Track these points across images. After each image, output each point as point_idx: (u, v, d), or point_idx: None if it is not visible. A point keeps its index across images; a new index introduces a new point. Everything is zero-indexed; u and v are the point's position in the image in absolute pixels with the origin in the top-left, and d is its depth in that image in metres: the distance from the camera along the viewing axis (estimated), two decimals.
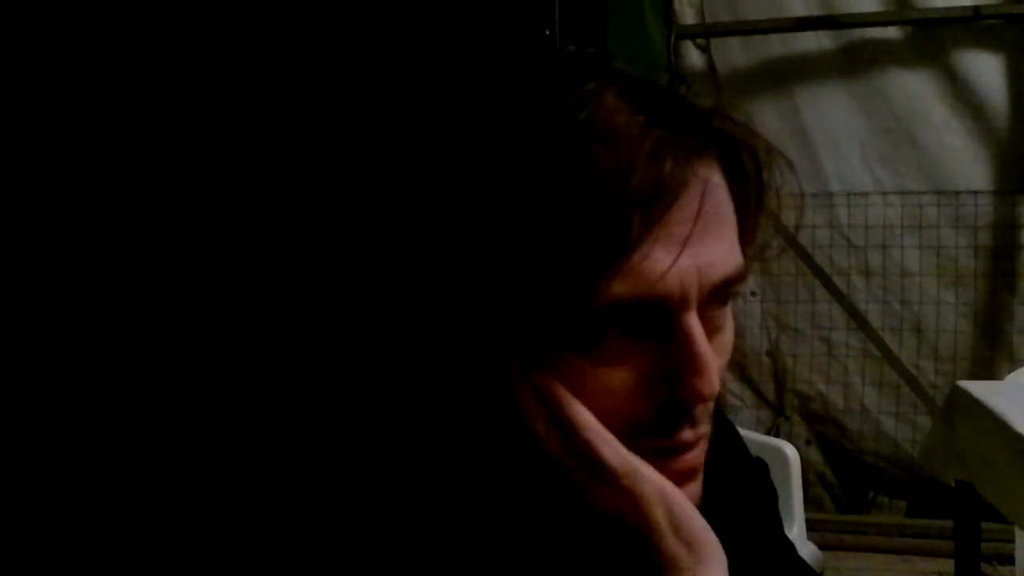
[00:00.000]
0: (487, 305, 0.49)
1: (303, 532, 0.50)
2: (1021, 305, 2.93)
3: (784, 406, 3.20)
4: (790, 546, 0.66)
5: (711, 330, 0.50)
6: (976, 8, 2.79)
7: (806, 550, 2.08)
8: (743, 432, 0.69)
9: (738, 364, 3.23)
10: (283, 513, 0.52)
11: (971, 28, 2.85)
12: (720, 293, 0.50)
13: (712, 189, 0.49)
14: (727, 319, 0.53)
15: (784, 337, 3.17)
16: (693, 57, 3.16)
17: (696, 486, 0.52)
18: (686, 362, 0.48)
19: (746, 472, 0.66)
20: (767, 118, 3.04)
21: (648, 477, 0.49)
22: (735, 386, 3.24)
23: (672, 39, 3.06)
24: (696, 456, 0.51)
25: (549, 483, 0.51)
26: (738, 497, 0.63)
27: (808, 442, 3.14)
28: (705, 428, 0.51)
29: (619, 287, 0.46)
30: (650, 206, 0.46)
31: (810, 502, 2.66)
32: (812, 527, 2.30)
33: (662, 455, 0.50)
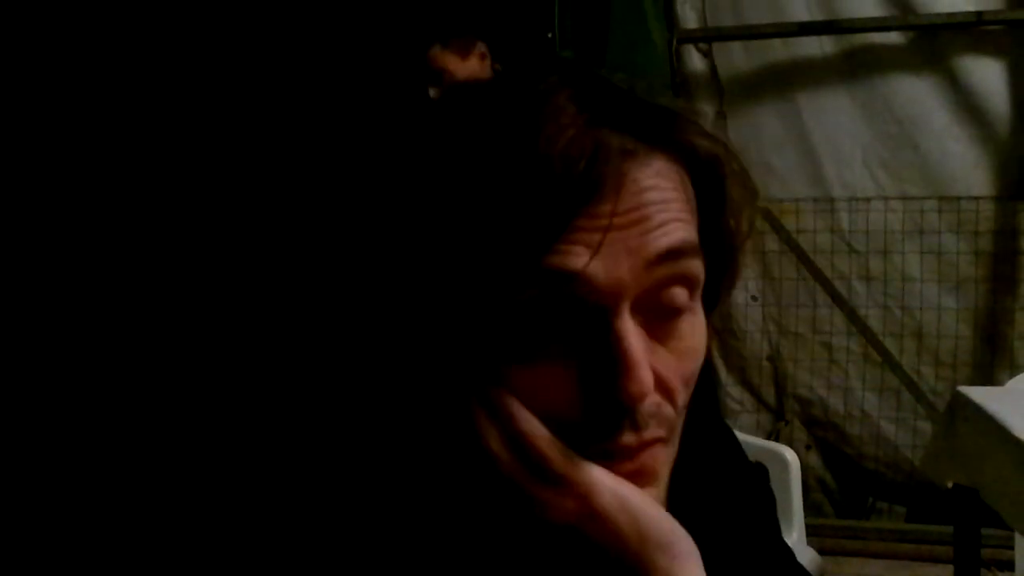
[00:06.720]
0: (423, 309, 0.48)
1: (272, 540, 0.50)
2: (1022, 311, 2.93)
3: (784, 411, 3.20)
4: (788, 551, 0.66)
5: (662, 335, 0.50)
6: (978, 14, 2.79)
7: (806, 555, 2.08)
8: (743, 436, 0.68)
9: (738, 368, 3.23)
10: (250, 521, 0.51)
11: (973, 34, 2.85)
12: (663, 294, 0.49)
13: (647, 188, 0.48)
14: (687, 326, 0.51)
15: (784, 342, 3.16)
16: (695, 61, 3.16)
17: (652, 493, 0.50)
18: (614, 362, 0.47)
19: (743, 477, 0.66)
20: (769, 122, 3.05)
21: (606, 485, 0.48)
22: (735, 390, 3.24)
23: (674, 43, 3.06)
24: (645, 460, 0.50)
25: (508, 503, 0.49)
26: (734, 502, 0.63)
27: (808, 447, 3.14)
28: (655, 433, 0.49)
29: (539, 286, 0.46)
30: (572, 205, 0.45)
31: (810, 507, 2.66)
32: (812, 532, 2.30)
33: (606, 458, 0.49)
